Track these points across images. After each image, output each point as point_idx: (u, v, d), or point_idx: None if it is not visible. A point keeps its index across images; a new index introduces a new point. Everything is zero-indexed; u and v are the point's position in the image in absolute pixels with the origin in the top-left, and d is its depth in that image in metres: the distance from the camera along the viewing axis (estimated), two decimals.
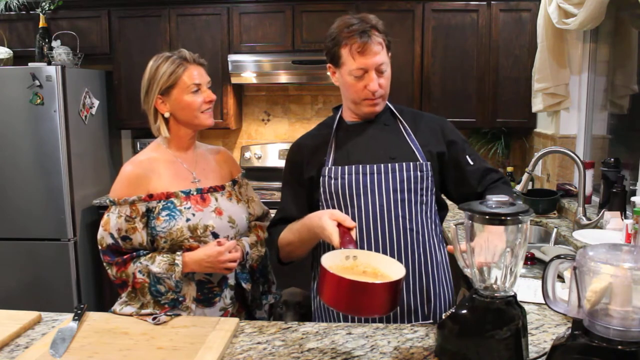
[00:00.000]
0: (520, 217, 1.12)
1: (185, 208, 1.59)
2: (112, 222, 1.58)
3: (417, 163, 1.57)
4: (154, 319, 1.50)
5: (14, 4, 3.59)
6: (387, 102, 1.67)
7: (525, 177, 2.57)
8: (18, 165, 3.31)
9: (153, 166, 1.63)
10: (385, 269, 1.27)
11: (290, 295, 1.84)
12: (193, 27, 3.63)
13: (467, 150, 1.66)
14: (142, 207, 1.58)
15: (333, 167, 1.58)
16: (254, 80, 3.61)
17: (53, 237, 3.35)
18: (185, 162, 1.68)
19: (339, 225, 1.39)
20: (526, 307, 1.43)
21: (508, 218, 1.12)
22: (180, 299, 1.58)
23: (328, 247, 1.53)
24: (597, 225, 2.40)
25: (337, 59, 1.56)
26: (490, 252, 1.16)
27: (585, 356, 1.00)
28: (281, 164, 3.62)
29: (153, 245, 1.62)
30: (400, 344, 1.32)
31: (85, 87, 3.51)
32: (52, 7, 3.61)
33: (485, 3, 3.43)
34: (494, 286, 1.17)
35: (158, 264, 1.55)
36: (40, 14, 3.58)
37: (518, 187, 2.61)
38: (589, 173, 2.67)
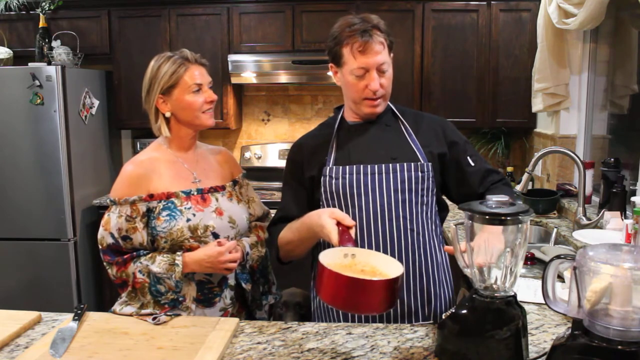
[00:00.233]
0: (520, 217, 1.12)
1: (185, 208, 1.59)
2: (112, 222, 1.58)
3: (418, 163, 1.57)
4: (154, 319, 1.50)
5: (14, 4, 3.59)
6: (388, 103, 1.67)
7: (525, 177, 2.57)
8: (18, 165, 3.31)
9: (154, 166, 1.63)
10: (384, 267, 1.26)
11: (290, 296, 1.84)
12: (193, 27, 3.63)
13: (469, 151, 1.66)
14: (142, 207, 1.58)
15: (334, 167, 1.59)
16: (254, 80, 3.61)
17: (53, 237, 3.35)
18: (186, 162, 1.68)
19: (338, 223, 1.39)
20: (526, 307, 1.43)
21: (508, 218, 1.12)
22: (180, 299, 1.58)
23: (327, 246, 1.53)
24: (597, 225, 2.40)
25: (339, 58, 1.56)
26: (490, 252, 1.16)
27: (585, 356, 1.00)
28: (281, 164, 3.62)
29: (153, 245, 1.62)
30: (400, 344, 1.32)
31: (85, 87, 3.51)
32: (52, 7, 3.61)
33: (485, 3, 3.43)
34: (494, 286, 1.17)
35: (158, 263, 1.55)
36: (40, 14, 3.58)
37: (518, 187, 2.61)
38: (589, 173, 2.67)
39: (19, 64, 3.41)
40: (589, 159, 2.94)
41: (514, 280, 1.17)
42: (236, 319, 1.48)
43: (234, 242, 1.60)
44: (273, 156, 3.93)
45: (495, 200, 1.16)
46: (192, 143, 1.71)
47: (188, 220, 1.58)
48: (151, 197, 1.59)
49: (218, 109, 3.63)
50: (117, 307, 1.61)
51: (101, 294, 3.63)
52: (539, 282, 1.75)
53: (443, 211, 1.71)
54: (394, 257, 1.48)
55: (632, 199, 2.10)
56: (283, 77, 3.56)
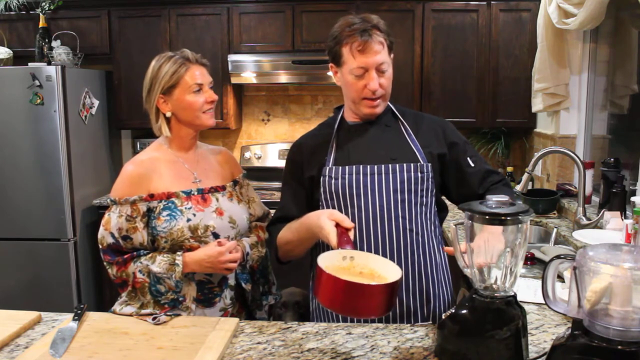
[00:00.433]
0: (520, 217, 1.12)
1: (186, 208, 1.59)
2: (112, 222, 1.58)
3: (418, 164, 1.57)
4: (154, 319, 1.50)
5: (14, 4, 3.59)
6: (388, 103, 1.67)
7: (525, 177, 2.57)
8: (18, 165, 3.31)
9: (154, 166, 1.63)
10: (382, 270, 1.27)
11: (289, 295, 1.84)
12: (193, 27, 3.63)
13: (469, 152, 1.66)
14: (143, 207, 1.58)
15: (333, 167, 1.58)
16: (254, 80, 3.61)
17: (53, 237, 3.35)
18: (187, 162, 1.68)
19: (337, 225, 1.39)
20: (526, 307, 1.43)
21: (508, 218, 1.12)
22: (180, 299, 1.58)
23: (326, 247, 1.53)
24: (597, 225, 2.40)
25: (339, 58, 1.56)
26: (490, 252, 1.16)
27: (585, 356, 1.00)
28: (281, 164, 3.62)
29: (154, 245, 1.62)
30: (400, 344, 1.32)
31: (85, 87, 3.51)
32: (52, 7, 3.61)
33: (485, 3, 3.43)
34: (494, 286, 1.18)
35: (158, 263, 1.55)
36: (40, 14, 3.58)
37: (518, 187, 2.61)
38: (589, 173, 2.67)
39: (19, 64, 3.41)
40: (589, 159, 2.94)
41: (514, 280, 1.17)
42: (236, 319, 1.48)
43: (234, 242, 1.60)
44: (273, 156, 3.93)
45: (495, 200, 1.16)
46: (193, 143, 1.71)
47: (188, 220, 1.58)
48: (152, 197, 1.59)
49: (218, 109, 3.63)
50: (117, 307, 1.61)
51: (101, 294, 3.63)
52: (539, 282, 1.75)
53: (442, 212, 1.71)
54: (393, 258, 1.49)
55: (632, 199, 2.10)
56: (283, 77, 3.56)
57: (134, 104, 3.64)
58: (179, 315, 1.55)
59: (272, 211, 1.81)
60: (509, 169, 3.64)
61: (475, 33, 3.46)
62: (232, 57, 3.55)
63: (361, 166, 1.57)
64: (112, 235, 1.58)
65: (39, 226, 3.35)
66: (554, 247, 2.29)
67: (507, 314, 1.14)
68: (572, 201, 2.84)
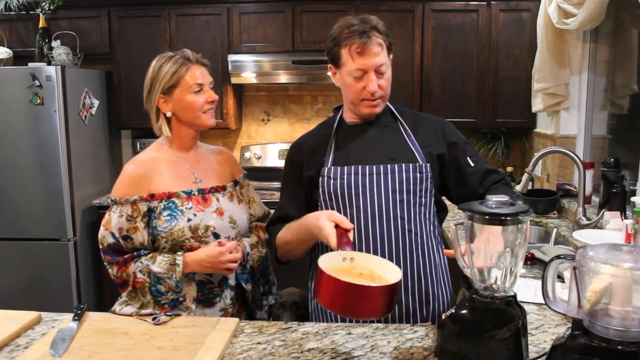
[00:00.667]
0: (520, 217, 1.12)
1: (186, 208, 1.59)
2: (113, 222, 1.58)
3: (417, 164, 1.57)
4: (154, 319, 1.50)
5: (14, 4, 3.59)
6: (388, 104, 1.67)
7: (525, 177, 2.57)
8: (18, 165, 3.31)
9: (155, 166, 1.63)
10: (382, 271, 1.27)
11: (287, 295, 1.84)
12: (193, 27, 3.63)
13: (468, 151, 1.66)
14: (143, 207, 1.58)
15: (332, 167, 1.58)
16: (254, 80, 3.61)
17: (53, 237, 3.35)
18: (187, 162, 1.68)
19: (337, 226, 1.39)
20: (526, 307, 1.43)
21: (508, 218, 1.12)
22: (181, 299, 1.58)
23: (326, 247, 1.53)
24: (597, 226, 2.40)
25: (337, 60, 1.56)
26: (490, 253, 1.16)
27: (585, 356, 1.00)
28: (281, 164, 3.61)
29: (154, 245, 1.62)
30: (400, 344, 1.32)
31: (85, 87, 3.51)
32: (52, 7, 3.61)
33: (485, 3, 3.43)
34: (494, 286, 1.18)
35: (159, 263, 1.55)
36: (40, 14, 3.58)
37: (518, 187, 2.61)
38: (589, 173, 2.67)
39: (19, 64, 3.41)
40: (589, 159, 2.94)
41: (514, 280, 1.17)
42: (236, 319, 1.48)
43: (234, 243, 1.60)
44: (273, 156, 3.93)
45: (495, 201, 1.16)
46: (193, 143, 1.71)
47: (189, 220, 1.58)
48: (152, 196, 1.59)
49: (218, 109, 3.63)
50: (117, 307, 1.61)
51: (101, 294, 3.63)
52: (539, 282, 1.75)
53: (442, 212, 1.71)
54: (392, 258, 1.49)
55: (632, 199, 2.10)
56: (283, 77, 3.56)
57: (134, 104, 3.64)
58: (179, 315, 1.55)
59: (273, 211, 1.81)
60: (509, 169, 3.64)
61: (475, 33, 3.46)
62: (232, 57, 3.55)
63: (360, 166, 1.57)
64: (113, 235, 1.58)
65: (39, 226, 3.35)
66: (554, 247, 2.29)
67: (507, 314, 1.14)
68: (572, 201, 2.84)
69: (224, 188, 1.70)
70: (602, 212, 2.37)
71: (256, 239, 1.75)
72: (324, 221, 1.40)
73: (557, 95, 3.05)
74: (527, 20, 3.40)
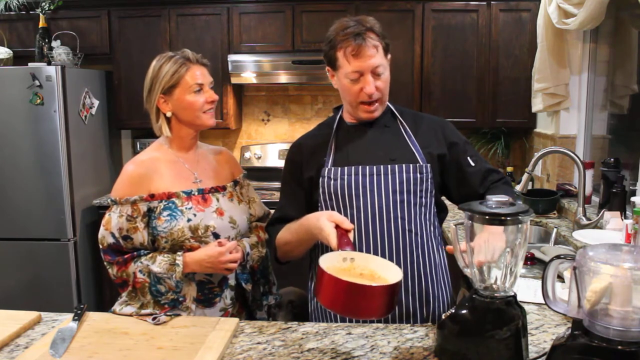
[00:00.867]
0: (520, 217, 1.12)
1: (186, 208, 1.59)
2: (113, 222, 1.58)
3: (417, 165, 1.57)
4: (154, 319, 1.50)
5: (14, 4, 3.59)
6: (388, 104, 1.66)
7: (525, 177, 2.57)
8: (18, 165, 3.31)
9: (155, 166, 1.63)
10: (382, 271, 1.27)
11: (284, 294, 1.84)
12: (193, 27, 3.63)
13: (469, 151, 1.66)
14: (143, 207, 1.58)
15: (332, 168, 1.58)
16: (254, 80, 3.61)
17: (53, 237, 3.35)
18: (187, 162, 1.68)
19: (337, 227, 1.39)
20: (526, 307, 1.43)
21: (508, 218, 1.12)
22: (181, 299, 1.58)
23: (326, 248, 1.53)
24: (597, 225, 2.40)
25: (334, 62, 1.56)
26: (490, 252, 1.16)
27: (585, 356, 1.00)
28: (281, 164, 3.61)
29: (154, 245, 1.62)
30: (400, 344, 1.32)
31: (85, 87, 3.51)
32: (52, 7, 3.61)
33: (485, 3, 3.43)
34: (494, 286, 1.18)
35: (159, 263, 1.55)
36: (40, 14, 3.58)
37: (518, 187, 2.61)
38: (589, 173, 2.67)
39: (19, 64, 3.41)
40: (589, 159, 2.94)
41: (514, 280, 1.17)
42: (236, 319, 1.48)
43: (234, 243, 1.60)
44: (273, 156, 3.93)
45: (495, 201, 1.16)
46: (193, 143, 1.71)
47: (189, 220, 1.58)
48: (152, 197, 1.59)
49: (218, 109, 3.63)
50: (117, 307, 1.61)
51: (101, 294, 3.63)
52: (539, 282, 1.75)
53: (442, 212, 1.70)
54: (392, 258, 1.49)
55: (632, 199, 2.10)
56: (283, 77, 3.56)
57: (134, 104, 3.64)
58: (179, 315, 1.55)
59: (273, 211, 1.81)
60: (509, 169, 3.64)
61: (475, 33, 3.46)
62: (232, 57, 3.55)
63: (360, 167, 1.57)
64: (113, 235, 1.58)
65: (39, 226, 3.35)
66: (554, 247, 2.29)
67: (507, 314, 1.14)
68: (572, 201, 2.84)
69: (224, 188, 1.70)
70: (602, 212, 2.37)
71: (256, 239, 1.75)
72: (325, 222, 1.40)
73: (557, 95, 3.06)
74: (527, 20, 3.40)
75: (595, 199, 2.76)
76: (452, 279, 1.69)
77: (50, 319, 1.52)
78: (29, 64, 3.38)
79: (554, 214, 2.90)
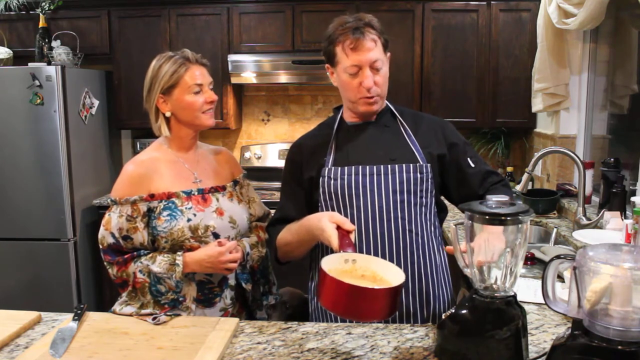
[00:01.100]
0: (520, 217, 1.12)
1: (186, 208, 1.59)
2: (113, 222, 1.58)
3: (417, 165, 1.57)
4: (154, 319, 1.50)
5: (14, 4, 3.59)
6: (387, 103, 1.66)
7: (525, 177, 2.57)
8: (18, 165, 3.31)
9: (155, 166, 1.63)
10: (384, 273, 1.27)
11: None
12: (193, 27, 3.63)
13: (468, 152, 1.66)
14: (143, 207, 1.58)
15: (333, 168, 1.58)
16: (254, 80, 3.61)
17: (53, 237, 3.35)
18: (187, 162, 1.68)
19: (338, 228, 1.39)
20: (526, 307, 1.43)
21: (508, 218, 1.12)
22: (181, 299, 1.58)
23: (326, 248, 1.53)
24: (597, 225, 2.40)
25: (333, 58, 1.56)
26: (490, 252, 1.16)
27: (585, 356, 1.00)
28: (281, 164, 3.62)
29: (154, 245, 1.62)
30: (400, 344, 1.32)
31: (85, 87, 3.51)
32: (52, 7, 3.61)
33: (485, 3, 3.43)
34: (494, 286, 1.18)
35: (159, 263, 1.55)
36: (40, 14, 3.58)
37: (518, 187, 2.61)
38: (589, 173, 2.67)
39: (19, 64, 3.41)
40: (589, 159, 2.94)
41: (514, 280, 1.17)
42: (236, 319, 1.48)
43: (234, 243, 1.60)
44: (273, 156, 3.93)
45: (495, 200, 1.16)
46: (193, 143, 1.71)
47: (189, 220, 1.58)
48: (152, 197, 1.59)
49: (218, 109, 3.63)
50: (117, 307, 1.61)
51: (101, 294, 3.63)
52: (539, 282, 1.75)
53: (442, 212, 1.70)
54: (393, 259, 1.49)
55: (632, 199, 2.10)
56: (283, 77, 3.56)
57: (134, 104, 3.64)
58: (179, 315, 1.55)
59: (273, 211, 1.81)
60: (509, 169, 3.64)
61: (475, 33, 3.46)
62: (232, 57, 3.55)
63: (360, 167, 1.56)
64: (113, 235, 1.58)
65: (39, 226, 3.35)
66: (554, 247, 2.29)
67: (507, 314, 1.14)
68: (572, 201, 2.84)
69: (223, 188, 1.70)
70: (602, 212, 2.37)
71: (256, 238, 1.75)
72: (326, 222, 1.40)
73: (557, 95, 3.05)
74: (527, 20, 3.40)
75: (595, 199, 2.76)
76: (452, 279, 1.69)
77: (50, 319, 1.52)
78: (29, 64, 3.38)
79: (554, 214, 2.90)
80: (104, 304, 3.57)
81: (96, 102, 3.61)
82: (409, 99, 3.51)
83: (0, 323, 1.44)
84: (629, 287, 0.98)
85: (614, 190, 2.34)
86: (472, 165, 1.64)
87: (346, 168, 1.57)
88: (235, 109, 3.81)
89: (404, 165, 1.56)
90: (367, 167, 1.56)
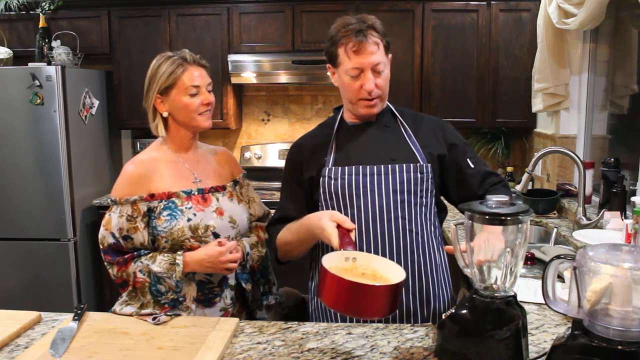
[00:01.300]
0: (520, 217, 1.12)
1: (186, 208, 1.59)
2: (113, 222, 1.58)
3: (418, 165, 1.57)
4: (154, 319, 1.50)
5: (14, 4, 3.59)
6: (388, 103, 1.66)
7: (525, 177, 2.57)
8: (18, 165, 3.31)
9: (155, 166, 1.63)
10: (385, 271, 1.27)
11: None
12: (193, 27, 3.63)
13: (468, 153, 1.66)
14: (143, 207, 1.58)
15: (333, 168, 1.58)
16: (254, 80, 3.61)
17: (53, 237, 3.35)
18: (187, 162, 1.68)
19: (338, 226, 1.39)
20: (526, 307, 1.43)
21: (508, 218, 1.12)
22: (181, 298, 1.58)
23: (326, 247, 1.53)
24: (597, 225, 2.40)
25: (335, 59, 1.56)
26: (490, 252, 1.16)
27: (585, 356, 1.00)
28: (281, 164, 3.62)
29: (154, 245, 1.62)
30: (400, 344, 1.32)
31: (85, 87, 3.51)
32: (52, 7, 3.61)
33: (485, 3, 3.43)
34: (494, 286, 1.18)
35: (159, 263, 1.55)
36: (40, 14, 3.58)
37: (518, 187, 2.61)
38: (589, 173, 2.67)
39: (19, 64, 3.41)
40: (589, 159, 2.93)
41: (514, 280, 1.17)
42: (236, 319, 1.48)
43: (234, 242, 1.60)
44: (273, 156, 3.93)
45: (495, 200, 1.16)
46: (192, 143, 1.71)
47: (189, 220, 1.58)
48: (152, 196, 1.59)
49: (218, 109, 3.63)
50: (117, 307, 1.61)
51: (101, 294, 3.63)
52: (539, 282, 1.75)
53: (442, 212, 1.70)
54: (393, 258, 1.49)
55: (632, 199, 2.10)
56: (283, 77, 3.56)
57: (134, 104, 3.64)
58: (179, 315, 1.55)
59: (273, 211, 1.81)
60: (509, 169, 3.64)
61: (475, 33, 3.46)
62: (232, 57, 3.55)
63: (361, 167, 1.57)
64: (113, 235, 1.58)
65: (39, 226, 3.35)
66: (554, 247, 2.29)
67: (507, 314, 1.14)
68: (572, 201, 2.84)
69: (223, 188, 1.70)
70: (602, 212, 2.37)
71: (256, 238, 1.75)
72: (326, 221, 1.40)
73: (557, 95, 3.05)
74: (527, 20, 3.40)
75: (595, 199, 2.76)
76: (452, 279, 1.69)
77: (50, 319, 1.52)
78: (29, 64, 3.38)
79: (554, 214, 2.90)
80: (104, 304, 3.57)
81: (96, 102, 3.61)
82: (409, 99, 3.51)
83: (0, 323, 1.44)
84: (629, 287, 0.98)
85: (614, 190, 2.34)
86: (472, 166, 1.64)
87: (347, 168, 1.57)
88: (235, 109, 3.81)
89: (404, 165, 1.57)
90: (368, 167, 1.56)
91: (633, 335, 0.97)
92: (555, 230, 2.54)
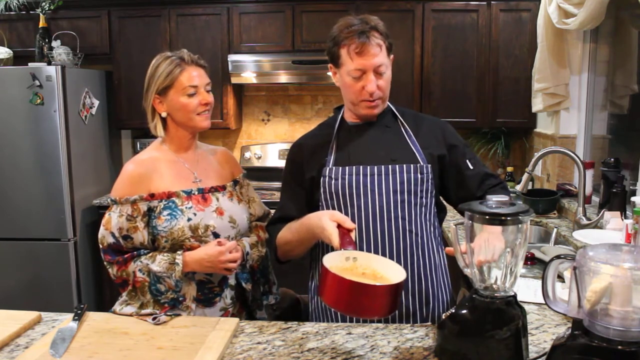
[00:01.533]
0: (520, 217, 1.12)
1: (186, 208, 1.59)
2: (113, 221, 1.58)
3: (418, 165, 1.57)
4: (154, 319, 1.50)
5: (14, 4, 3.59)
6: (388, 104, 1.66)
7: (525, 177, 2.57)
8: (18, 165, 3.31)
9: (155, 165, 1.63)
10: (385, 271, 1.27)
11: None
12: (193, 27, 3.63)
13: (468, 154, 1.66)
14: (143, 207, 1.58)
15: (334, 168, 1.58)
16: (254, 80, 3.61)
17: (53, 237, 3.35)
18: (187, 161, 1.68)
19: (339, 226, 1.39)
20: (526, 307, 1.43)
21: (508, 218, 1.12)
22: (180, 298, 1.58)
23: (327, 247, 1.53)
24: (597, 225, 2.40)
25: (337, 59, 1.56)
26: (490, 252, 1.16)
27: (585, 356, 1.00)
28: (281, 164, 3.62)
29: (154, 245, 1.62)
30: (400, 344, 1.32)
31: (85, 87, 3.51)
32: (52, 7, 3.61)
33: (485, 3, 3.43)
34: (494, 286, 1.18)
35: (158, 262, 1.55)
36: (40, 14, 3.58)
37: (518, 187, 2.61)
38: (589, 173, 2.67)
39: (19, 64, 3.41)
40: (589, 159, 2.93)
41: (514, 280, 1.17)
42: (236, 319, 1.48)
43: (234, 242, 1.60)
44: (273, 156, 3.93)
45: (495, 200, 1.16)
46: (191, 143, 1.71)
47: (189, 219, 1.58)
48: (152, 196, 1.59)
49: (218, 109, 3.63)
50: (117, 307, 1.61)
51: (101, 294, 3.63)
52: (539, 282, 1.75)
53: (441, 213, 1.71)
54: (393, 258, 1.49)
55: (632, 199, 2.10)
56: (283, 77, 3.56)
57: (134, 104, 3.64)
58: (179, 315, 1.55)
59: (273, 211, 1.81)
60: (509, 169, 3.64)
61: (475, 33, 3.46)
62: (232, 57, 3.55)
63: (361, 167, 1.57)
64: (113, 235, 1.58)
65: (39, 226, 3.35)
66: (554, 247, 2.29)
67: (507, 314, 1.14)
68: (572, 201, 2.84)
69: (223, 188, 1.70)
70: (602, 212, 2.37)
71: (256, 238, 1.75)
72: (327, 221, 1.40)
73: (557, 95, 3.05)
74: (527, 20, 3.40)
75: (595, 199, 2.76)
76: (452, 279, 1.69)
77: (50, 319, 1.52)
78: (29, 64, 3.38)
79: (554, 214, 2.90)
80: (104, 304, 3.57)
81: (96, 102, 3.61)
82: (409, 99, 3.51)
83: (0, 323, 1.44)
84: (629, 287, 0.98)
85: (614, 190, 2.34)
86: (471, 167, 1.64)
87: (347, 168, 1.57)
88: (235, 109, 3.81)
89: (404, 165, 1.57)
90: (368, 167, 1.56)
91: (633, 335, 0.97)
92: (555, 230, 2.54)
